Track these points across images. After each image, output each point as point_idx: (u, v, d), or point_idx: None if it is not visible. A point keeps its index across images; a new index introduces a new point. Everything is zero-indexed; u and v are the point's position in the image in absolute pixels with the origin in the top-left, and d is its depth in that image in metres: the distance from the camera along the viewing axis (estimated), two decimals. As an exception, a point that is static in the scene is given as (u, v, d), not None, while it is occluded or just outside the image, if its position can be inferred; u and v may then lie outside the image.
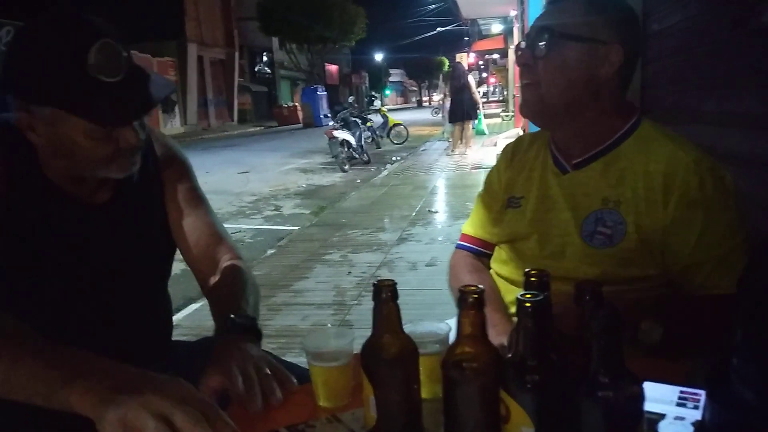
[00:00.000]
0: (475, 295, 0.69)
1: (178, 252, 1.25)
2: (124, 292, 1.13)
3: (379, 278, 0.75)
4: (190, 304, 3.50)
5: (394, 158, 11.67)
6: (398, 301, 0.75)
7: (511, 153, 1.34)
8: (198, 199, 1.24)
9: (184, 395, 0.74)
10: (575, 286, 0.72)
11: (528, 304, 0.65)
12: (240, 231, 5.89)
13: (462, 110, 10.76)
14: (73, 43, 0.93)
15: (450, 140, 11.65)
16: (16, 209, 1.01)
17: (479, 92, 11.12)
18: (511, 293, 1.24)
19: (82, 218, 1.08)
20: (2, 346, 0.82)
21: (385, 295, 0.74)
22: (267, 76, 34.17)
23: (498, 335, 1.05)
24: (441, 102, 12.72)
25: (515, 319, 0.69)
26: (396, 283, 0.75)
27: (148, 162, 1.17)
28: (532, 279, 0.75)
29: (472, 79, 10.81)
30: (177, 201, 1.21)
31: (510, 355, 0.67)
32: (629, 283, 1.09)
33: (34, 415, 0.81)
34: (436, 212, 6.26)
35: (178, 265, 1.27)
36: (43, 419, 0.82)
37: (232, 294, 1.12)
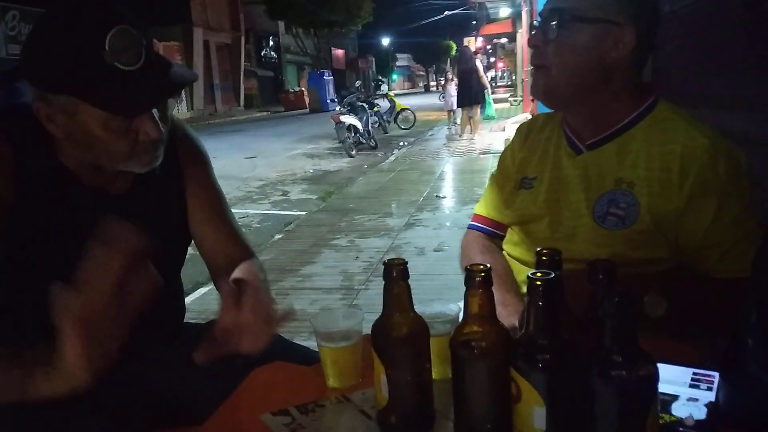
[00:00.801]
0: (482, 274, 0.68)
1: None
2: None
3: (389, 258, 0.74)
4: (198, 288, 3.52)
5: (401, 143, 11.63)
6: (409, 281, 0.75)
7: (525, 132, 1.33)
8: (217, 195, 1.24)
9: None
10: (588, 265, 0.72)
11: (539, 283, 0.64)
12: (247, 216, 5.90)
13: (470, 95, 10.69)
14: (88, 28, 0.91)
15: (451, 126, 11.57)
16: (30, 197, 1.00)
17: (487, 77, 11.02)
18: (523, 274, 1.23)
19: (99, 208, 1.07)
20: None
21: (396, 273, 0.73)
22: (273, 60, 34.04)
23: (509, 315, 1.05)
24: (443, 86, 12.57)
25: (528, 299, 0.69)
26: (407, 262, 0.74)
27: (167, 149, 1.15)
28: (544, 258, 0.74)
29: (479, 63, 10.71)
30: (198, 196, 1.20)
31: (521, 334, 0.66)
32: (639, 265, 1.08)
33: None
34: (444, 197, 6.24)
35: (188, 250, 1.27)
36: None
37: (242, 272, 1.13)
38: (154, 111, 0.98)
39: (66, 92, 0.93)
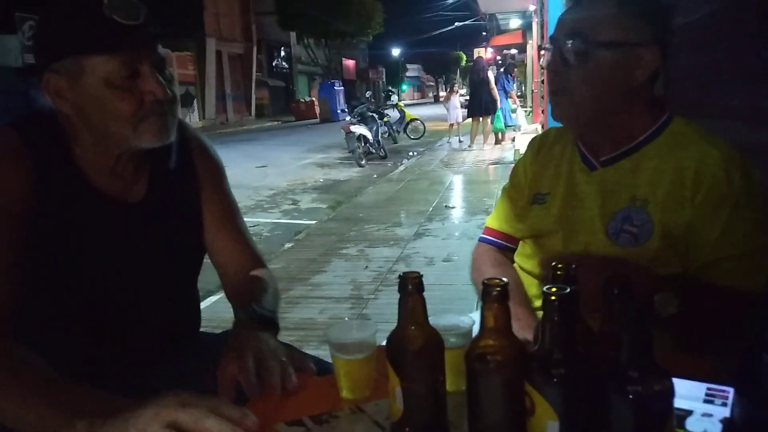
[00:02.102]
0: (499, 288, 0.69)
1: None
2: (155, 287, 1.14)
3: (405, 271, 0.75)
4: (209, 296, 3.54)
5: (410, 153, 11.65)
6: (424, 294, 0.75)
7: (537, 146, 1.33)
8: (231, 205, 1.26)
9: (184, 400, 0.76)
10: (603, 280, 0.72)
11: (554, 297, 0.65)
12: (258, 225, 5.92)
13: (480, 105, 10.71)
14: None
15: (451, 139, 11.56)
16: (47, 206, 1.02)
17: (512, 87, 11.07)
18: (534, 287, 1.24)
19: (115, 218, 1.09)
20: (12, 385, 0.86)
21: (412, 287, 0.74)
22: (284, 70, 34.25)
23: (521, 329, 1.05)
24: (445, 98, 12.51)
25: (539, 313, 0.69)
26: (421, 276, 0.75)
27: (183, 158, 1.17)
28: (559, 272, 0.74)
29: (491, 75, 10.74)
30: (212, 205, 1.21)
31: (536, 348, 0.67)
32: (651, 282, 1.07)
33: None
34: (453, 208, 6.24)
35: (201, 259, 1.28)
36: None
37: (253, 292, 1.14)
38: (159, 76, 1.00)
39: (70, 51, 0.97)
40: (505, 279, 0.70)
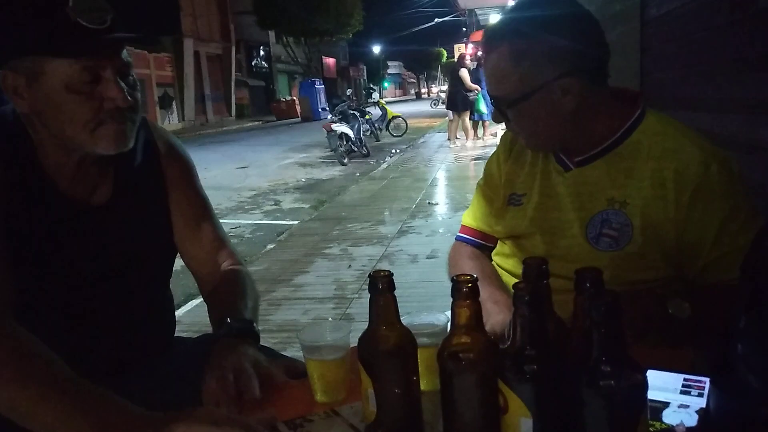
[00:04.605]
0: (469, 284, 0.67)
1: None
2: (125, 292, 1.12)
3: (375, 269, 0.74)
4: (190, 300, 3.49)
5: (393, 151, 11.63)
6: (396, 293, 0.74)
7: (509, 142, 1.30)
8: (202, 203, 1.23)
9: (216, 418, 0.75)
10: (575, 274, 0.71)
11: (524, 292, 0.64)
12: (239, 226, 5.87)
13: (456, 101, 10.73)
14: None
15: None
16: (12, 209, 0.99)
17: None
18: None
19: (80, 220, 1.06)
20: (32, 378, 0.81)
21: (382, 286, 0.72)
22: (264, 70, 34.05)
23: (500, 312, 1.04)
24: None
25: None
26: (392, 274, 0.73)
27: (149, 158, 1.14)
28: (530, 267, 0.73)
29: (464, 72, 10.72)
30: (182, 205, 1.19)
31: (507, 345, 0.65)
32: (636, 286, 1.04)
33: None
34: (437, 204, 6.24)
35: (178, 262, 1.25)
36: None
37: (230, 298, 1.12)
38: (121, 82, 0.97)
39: (30, 50, 0.94)
40: (475, 275, 0.69)
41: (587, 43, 1.06)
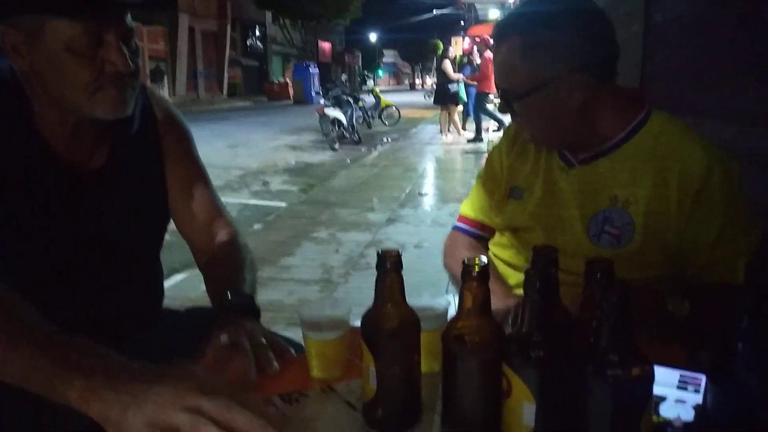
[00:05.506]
0: (479, 268, 0.67)
1: None
2: (116, 259, 1.10)
3: (383, 248, 0.73)
4: (174, 275, 3.47)
5: (385, 139, 11.60)
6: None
7: (513, 135, 1.30)
8: (199, 171, 1.21)
9: (205, 386, 0.71)
10: (586, 264, 0.71)
11: (536, 278, 0.64)
12: (227, 205, 5.79)
13: (444, 95, 10.70)
14: None
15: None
16: (4, 168, 0.96)
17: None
18: (511, 278, 1.22)
19: (75, 184, 1.04)
20: (3, 329, 0.77)
21: (390, 265, 0.72)
22: (259, 50, 33.68)
23: (498, 301, 1.04)
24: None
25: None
26: (401, 254, 0.73)
27: (146, 125, 1.13)
28: (540, 255, 0.73)
29: (447, 63, 10.66)
30: (178, 172, 1.17)
31: (515, 330, 0.65)
32: (638, 284, 1.06)
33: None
34: (426, 195, 6.24)
35: (166, 235, 1.24)
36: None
37: (229, 271, 1.11)
38: (123, 47, 0.95)
39: (31, 8, 0.91)
40: (485, 259, 0.69)
41: (597, 40, 1.06)
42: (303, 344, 0.91)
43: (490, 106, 10.16)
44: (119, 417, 0.67)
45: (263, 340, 0.92)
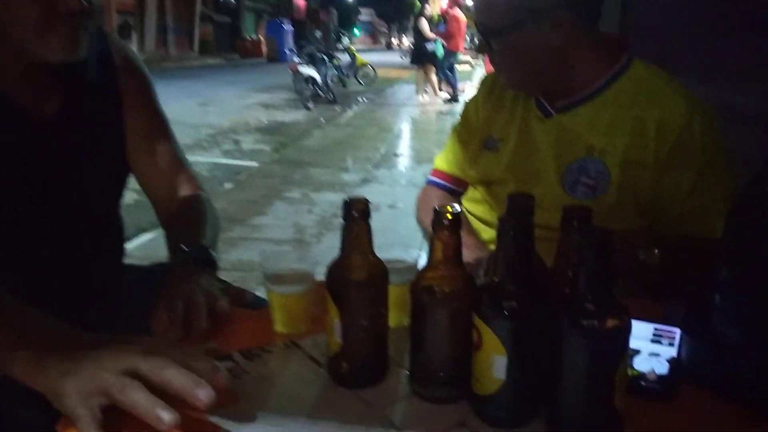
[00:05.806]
0: (451, 215, 0.63)
1: (132, 180, 1.15)
2: (72, 212, 1.04)
3: (350, 196, 0.69)
4: (141, 234, 3.38)
5: (360, 99, 11.42)
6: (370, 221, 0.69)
7: (490, 85, 1.26)
8: (161, 122, 1.14)
9: (149, 347, 0.67)
10: (563, 211, 0.68)
11: (509, 226, 0.60)
12: (197, 164, 5.66)
13: (421, 54, 10.54)
14: None
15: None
16: None
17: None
18: (484, 233, 1.20)
19: (26, 132, 0.97)
20: None
21: (357, 213, 0.68)
22: (231, 5, 32.58)
23: (470, 255, 1.01)
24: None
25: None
26: (369, 202, 0.69)
27: (104, 71, 1.05)
28: (516, 203, 0.69)
29: (423, 22, 10.47)
30: (138, 123, 1.10)
31: (487, 280, 0.62)
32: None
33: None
34: (401, 155, 6.19)
35: (130, 195, 1.18)
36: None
37: (187, 225, 1.06)
38: None
39: None
40: (457, 207, 0.65)
41: None
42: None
43: (456, 68, 10.05)
44: (59, 387, 0.63)
45: (215, 291, 0.87)
